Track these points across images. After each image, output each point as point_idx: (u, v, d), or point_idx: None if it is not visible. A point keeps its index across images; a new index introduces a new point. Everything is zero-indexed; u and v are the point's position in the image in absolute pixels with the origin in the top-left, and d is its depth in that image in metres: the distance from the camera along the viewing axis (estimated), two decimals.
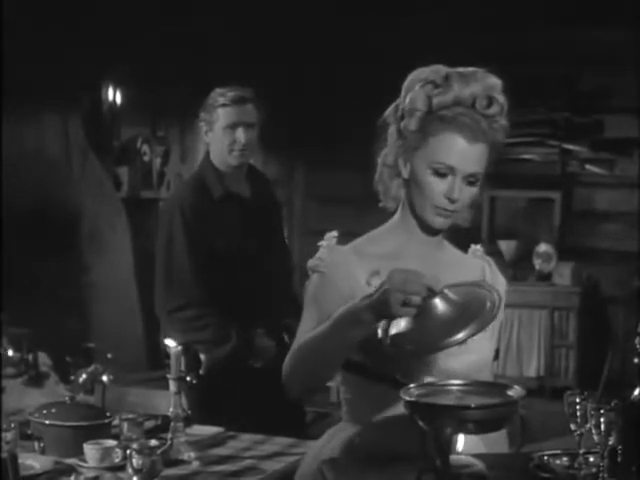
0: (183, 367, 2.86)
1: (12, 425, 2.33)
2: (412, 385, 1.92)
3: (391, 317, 1.91)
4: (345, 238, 2.20)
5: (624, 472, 1.94)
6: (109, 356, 3.57)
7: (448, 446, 1.84)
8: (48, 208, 5.47)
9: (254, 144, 3.67)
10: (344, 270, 2.13)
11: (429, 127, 2.09)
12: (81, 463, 2.71)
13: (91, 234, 5.78)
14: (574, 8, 6.84)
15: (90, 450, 2.71)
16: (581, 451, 2.06)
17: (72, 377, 3.23)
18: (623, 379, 2.04)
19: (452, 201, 2.10)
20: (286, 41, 6.97)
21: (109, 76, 5.91)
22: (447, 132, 2.08)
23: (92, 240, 5.78)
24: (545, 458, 2.08)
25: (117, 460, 2.70)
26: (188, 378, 2.94)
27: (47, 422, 2.82)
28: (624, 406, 1.94)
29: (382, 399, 2.08)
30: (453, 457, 1.87)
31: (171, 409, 2.81)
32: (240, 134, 3.59)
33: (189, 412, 2.90)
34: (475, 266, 2.28)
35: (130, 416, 2.85)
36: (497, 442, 2.13)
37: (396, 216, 2.22)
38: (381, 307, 1.88)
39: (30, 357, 3.64)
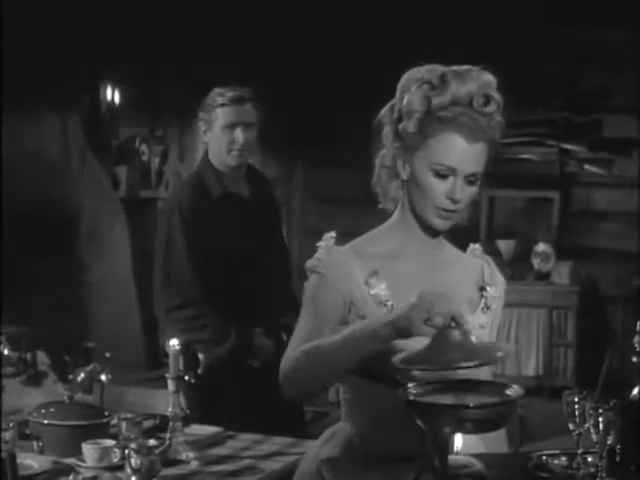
0: (182, 366, 2.86)
1: (10, 424, 2.33)
2: (410, 384, 1.92)
3: (410, 335, 1.90)
4: (344, 238, 2.19)
5: (622, 471, 1.94)
6: (108, 355, 3.57)
7: (446, 446, 1.84)
8: (48, 208, 5.47)
9: (253, 144, 3.67)
10: (342, 270, 2.12)
11: (428, 128, 2.08)
12: (79, 463, 2.71)
13: (90, 234, 5.78)
14: (574, 8, 6.83)
15: (89, 450, 2.70)
16: (580, 450, 2.06)
17: (71, 376, 3.22)
18: (622, 378, 2.03)
19: (454, 201, 2.09)
20: (286, 41, 6.96)
21: (108, 76, 5.91)
22: (446, 133, 2.07)
23: (91, 240, 5.77)
24: (544, 458, 2.09)
25: (115, 460, 2.69)
26: (187, 377, 2.94)
27: (45, 422, 2.82)
28: (623, 405, 1.94)
29: (381, 399, 2.08)
30: (452, 457, 1.87)
31: (170, 409, 2.81)
32: (239, 134, 3.59)
33: (188, 412, 2.90)
34: (474, 265, 2.28)
35: (129, 416, 2.85)
36: (496, 442, 2.13)
37: (395, 216, 2.21)
38: (403, 323, 1.89)
39: (29, 356, 3.63)
